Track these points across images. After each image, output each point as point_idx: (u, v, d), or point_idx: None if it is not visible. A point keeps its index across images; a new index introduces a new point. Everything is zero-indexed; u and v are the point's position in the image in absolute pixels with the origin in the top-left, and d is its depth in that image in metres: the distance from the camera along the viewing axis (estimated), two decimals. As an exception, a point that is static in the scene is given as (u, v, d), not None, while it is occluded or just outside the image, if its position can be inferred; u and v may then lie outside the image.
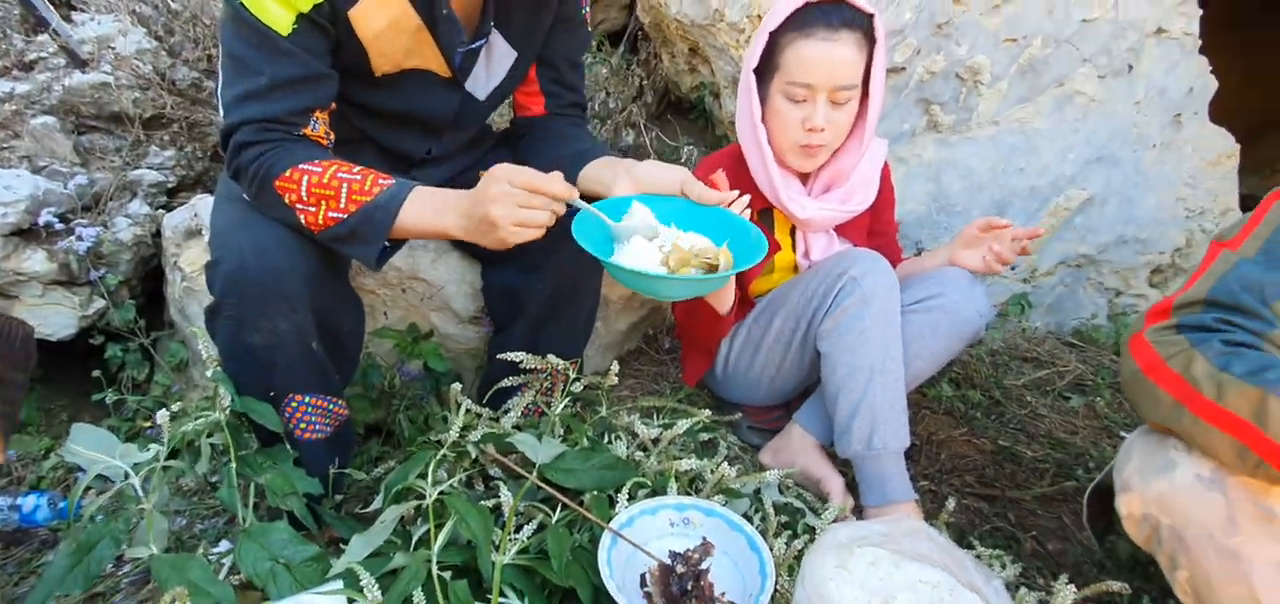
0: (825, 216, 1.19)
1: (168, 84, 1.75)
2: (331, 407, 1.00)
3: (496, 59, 1.04)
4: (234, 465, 0.90)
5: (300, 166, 0.85)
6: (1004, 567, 1.01)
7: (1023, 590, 0.94)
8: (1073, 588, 0.88)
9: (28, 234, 1.42)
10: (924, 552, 0.87)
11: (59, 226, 1.43)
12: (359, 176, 0.86)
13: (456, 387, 1.08)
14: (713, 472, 1.04)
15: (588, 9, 1.09)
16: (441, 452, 0.96)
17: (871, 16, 1.07)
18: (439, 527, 0.83)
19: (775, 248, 1.23)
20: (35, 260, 1.40)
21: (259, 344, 0.88)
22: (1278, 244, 0.80)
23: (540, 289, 1.09)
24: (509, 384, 1.12)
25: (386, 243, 0.87)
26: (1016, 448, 1.39)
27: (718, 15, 1.90)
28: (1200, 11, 1.95)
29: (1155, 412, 0.80)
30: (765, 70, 1.12)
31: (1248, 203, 1.29)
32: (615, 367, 1.15)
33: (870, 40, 1.08)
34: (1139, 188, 1.98)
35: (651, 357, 1.67)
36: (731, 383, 1.33)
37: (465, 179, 1.14)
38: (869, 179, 1.21)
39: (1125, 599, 0.98)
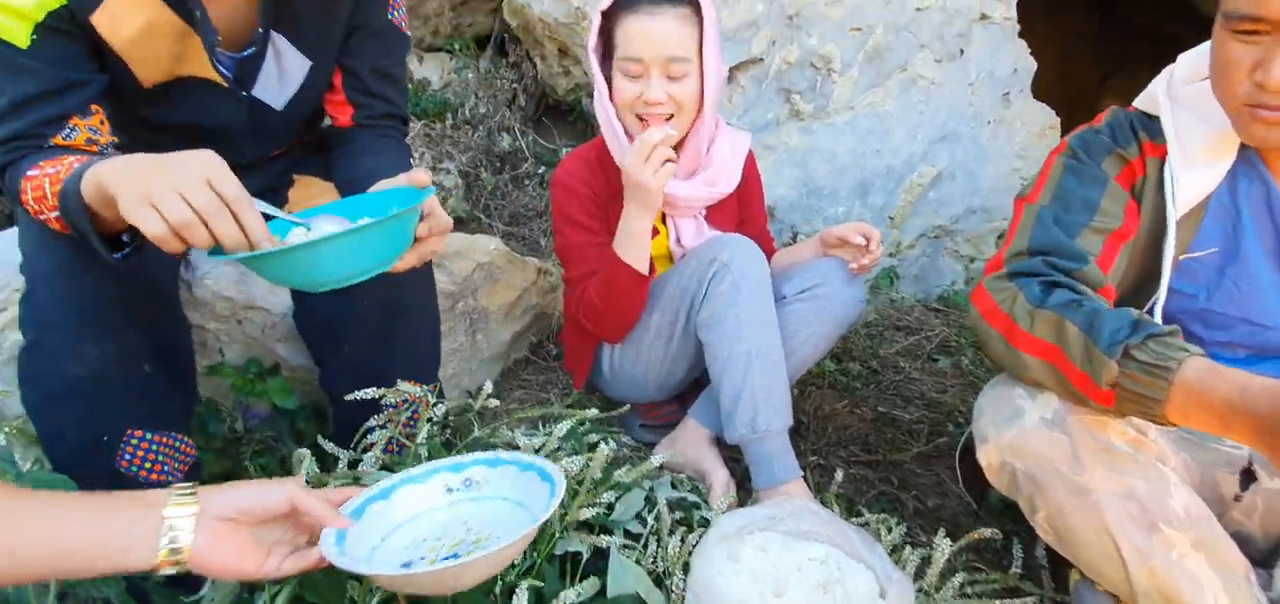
0: (691, 196, 1.19)
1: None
2: (179, 445, 0.90)
3: (288, 67, 0.97)
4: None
5: (28, 174, 0.76)
6: (889, 530, 1.04)
7: (907, 550, 0.97)
8: (949, 541, 0.91)
9: None
10: (810, 529, 0.87)
11: None
12: (66, 165, 0.75)
13: (302, 450, 0.95)
14: (597, 469, 0.98)
15: (396, 14, 1.02)
16: None
17: None
18: (276, 594, 0.72)
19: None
20: None
21: (81, 375, 0.79)
22: (1065, 190, 0.91)
23: (366, 315, 1.00)
24: (372, 423, 1.01)
25: (123, 236, 0.75)
26: (894, 412, 1.45)
27: (579, 13, 1.87)
28: (1016, -1, 2.17)
29: (994, 351, 0.87)
30: (606, 52, 1.14)
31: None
32: (489, 387, 1.07)
33: (699, 17, 1.10)
34: (979, 161, 2.17)
35: (540, 365, 1.60)
36: (619, 382, 1.29)
37: (273, 197, 1.06)
38: (730, 163, 1.23)
39: (997, 543, 1.03)
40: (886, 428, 1.41)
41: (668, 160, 1.04)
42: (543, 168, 2.34)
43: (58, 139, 0.80)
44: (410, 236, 0.78)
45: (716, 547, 0.84)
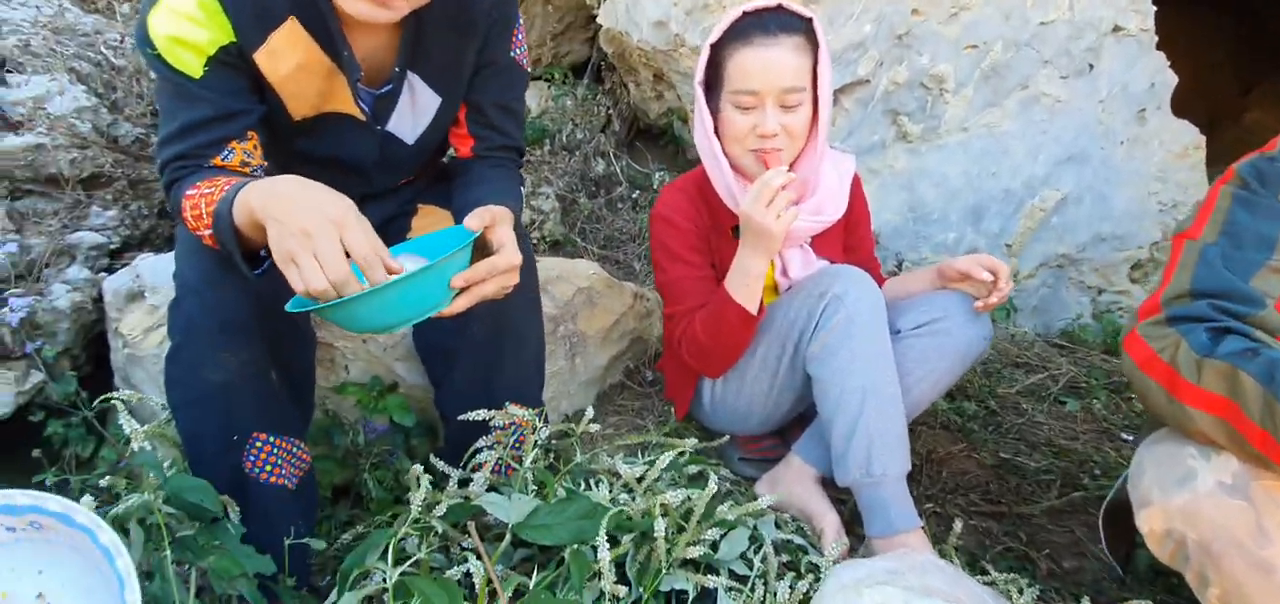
0: (798, 227, 1.15)
1: (108, 141, 1.66)
2: (296, 451, 0.95)
3: (421, 103, 1.02)
4: (169, 552, 0.80)
5: (187, 192, 0.84)
6: (1021, 592, 0.95)
7: (1043, 616, 0.88)
8: (1097, 611, 0.82)
9: (-47, 310, 1.31)
10: (935, 586, 0.81)
11: (-11, 300, 1.32)
12: (220, 187, 0.82)
13: (417, 467, 0.99)
14: (701, 503, 0.96)
15: (519, 52, 1.06)
16: (403, 528, 0.87)
17: (809, 20, 1.07)
18: (402, 608, 0.74)
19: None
20: (-39, 337, 1.29)
21: (217, 383, 0.87)
22: (1235, 225, 0.81)
23: (475, 336, 1.03)
24: (481, 444, 1.04)
25: (260, 252, 0.82)
26: (1018, 459, 1.33)
27: (678, 40, 1.88)
28: (1154, 8, 1.98)
29: (1154, 404, 0.80)
30: (713, 85, 1.12)
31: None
32: (590, 412, 1.08)
33: (812, 44, 1.07)
34: (1111, 184, 1.99)
35: (635, 390, 1.59)
36: (719, 413, 1.26)
37: (398, 223, 1.13)
38: (836, 189, 1.18)
39: (1150, 616, 0.91)
40: (1010, 476, 1.30)
41: (789, 203, 1.00)
42: (636, 192, 2.36)
43: (216, 160, 0.88)
44: (443, 287, 0.78)
45: (834, 599, 0.79)
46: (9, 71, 1.78)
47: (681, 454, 1.14)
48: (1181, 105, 2.10)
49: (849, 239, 1.29)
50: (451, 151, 1.15)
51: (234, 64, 0.87)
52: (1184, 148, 2.07)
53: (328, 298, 0.69)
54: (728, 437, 1.28)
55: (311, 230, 0.69)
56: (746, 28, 1.05)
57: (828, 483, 1.13)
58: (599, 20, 2.25)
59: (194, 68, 0.85)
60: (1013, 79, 1.87)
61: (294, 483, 0.94)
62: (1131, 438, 1.44)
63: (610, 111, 2.58)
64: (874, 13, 1.72)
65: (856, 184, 1.28)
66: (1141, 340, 0.81)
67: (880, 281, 1.30)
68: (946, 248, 1.91)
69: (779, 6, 1.07)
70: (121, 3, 2.20)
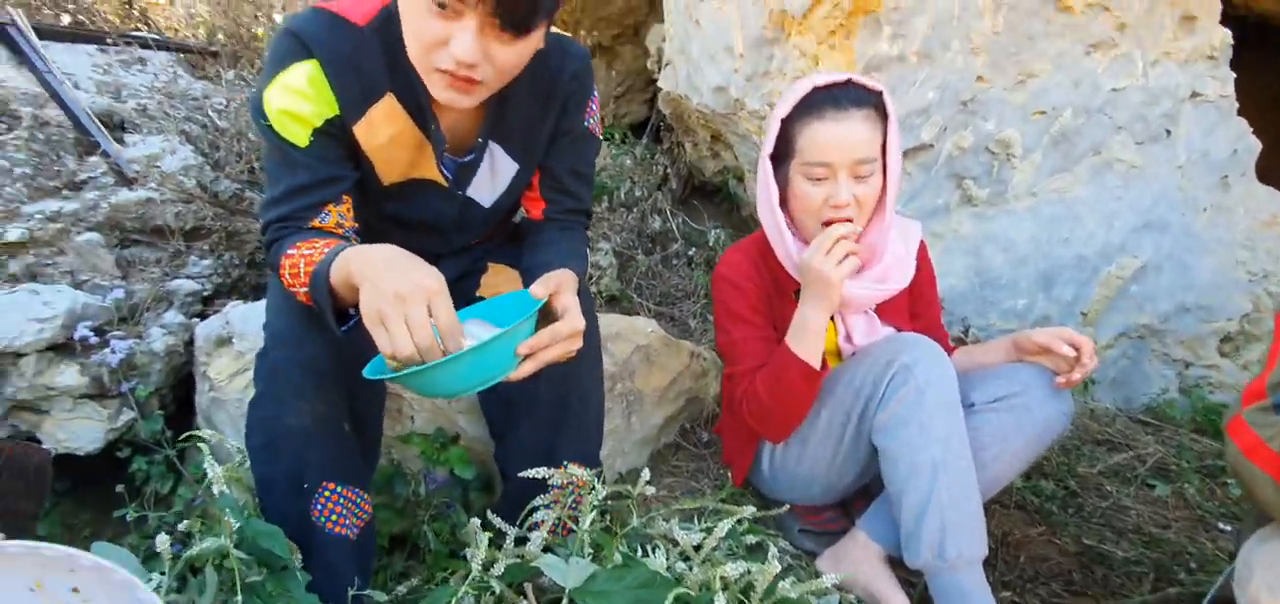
0: (862, 296, 1.14)
1: (210, 196, 1.80)
2: (359, 501, 0.98)
3: (500, 170, 1.07)
4: (240, 597, 0.82)
5: (288, 252, 0.90)
6: (1115, 697, 0.87)
7: (1143, 728, 0.80)
8: (1208, 727, 0.74)
9: (64, 348, 1.42)
10: (1024, 685, 0.75)
11: (94, 340, 1.43)
12: (319, 249, 0.88)
13: (475, 522, 1.00)
14: (762, 579, 0.92)
15: (593, 121, 1.10)
16: (463, 588, 0.88)
17: (879, 93, 1.08)
18: (465, 667, 0.74)
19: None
20: (67, 375, 1.40)
21: (297, 429, 0.91)
22: None
23: (541, 396, 1.05)
24: (538, 503, 1.04)
25: (349, 311, 0.87)
26: (1104, 547, 1.24)
27: (738, 104, 1.92)
28: (1233, 75, 1.91)
29: (1262, 495, 0.75)
30: (781, 156, 1.13)
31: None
32: (646, 474, 1.07)
33: (882, 116, 1.07)
34: (1193, 253, 1.89)
35: (690, 451, 1.57)
36: (779, 481, 1.23)
37: (470, 279, 1.18)
38: (903, 257, 1.17)
39: None
40: (1095, 565, 1.21)
41: (850, 254, 1.00)
42: (692, 249, 2.38)
43: (314, 221, 0.95)
44: (510, 354, 0.80)
45: (910, 692, 0.75)
46: (126, 132, 1.97)
47: (740, 522, 1.11)
48: (1259, 169, 1.99)
49: (915, 306, 1.27)
50: (522, 212, 1.20)
51: (335, 134, 0.94)
52: (1272, 215, 1.95)
53: (412, 362, 0.72)
54: (787, 506, 1.24)
55: (405, 295, 0.72)
56: (818, 102, 1.07)
57: (895, 562, 1.08)
58: (659, 84, 2.33)
59: (301, 138, 0.92)
60: (1084, 145, 1.82)
61: (355, 533, 0.97)
62: (1230, 528, 1.32)
63: (667, 169, 2.63)
64: (938, 80, 1.72)
65: (923, 250, 1.26)
66: (1247, 426, 0.76)
67: (948, 350, 1.26)
68: (1016, 314, 1.84)
69: (849, 81, 1.08)
70: (227, 69, 2.42)
